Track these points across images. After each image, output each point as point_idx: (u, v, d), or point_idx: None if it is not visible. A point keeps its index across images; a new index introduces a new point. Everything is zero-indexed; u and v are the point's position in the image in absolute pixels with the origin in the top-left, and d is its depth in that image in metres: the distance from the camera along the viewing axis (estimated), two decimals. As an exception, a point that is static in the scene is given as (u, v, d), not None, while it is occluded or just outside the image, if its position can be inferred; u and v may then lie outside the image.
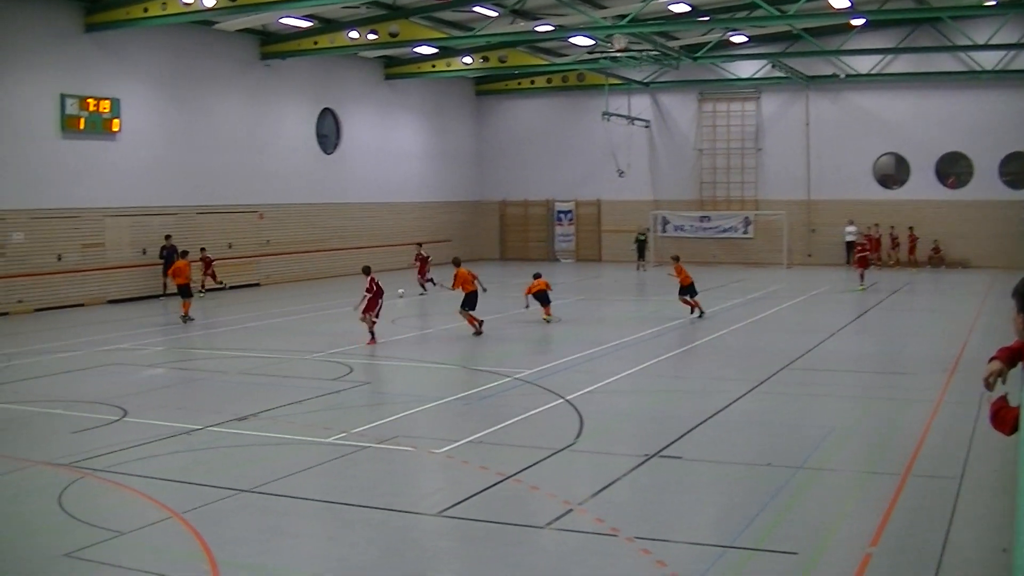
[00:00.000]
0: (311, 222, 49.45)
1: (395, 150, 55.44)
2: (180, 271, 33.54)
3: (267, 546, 11.84)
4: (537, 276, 32.29)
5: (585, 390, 20.44)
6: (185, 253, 36.36)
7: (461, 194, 61.01)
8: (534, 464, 14.93)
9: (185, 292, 33.27)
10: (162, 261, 40.78)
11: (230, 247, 44.85)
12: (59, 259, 37.70)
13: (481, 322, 28.78)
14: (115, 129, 39.71)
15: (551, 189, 60.26)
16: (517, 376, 22.08)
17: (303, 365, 24.45)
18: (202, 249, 41.39)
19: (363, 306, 27.00)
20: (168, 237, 41.12)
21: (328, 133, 51.38)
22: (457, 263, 30.43)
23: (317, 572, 11.05)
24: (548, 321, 30.92)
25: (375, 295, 27.03)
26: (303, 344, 27.35)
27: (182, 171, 42.68)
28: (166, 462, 15.52)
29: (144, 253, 40.93)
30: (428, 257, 41.88)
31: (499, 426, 17.52)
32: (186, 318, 32.73)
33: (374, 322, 27.13)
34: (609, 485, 13.97)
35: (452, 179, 60.22)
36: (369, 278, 27.27)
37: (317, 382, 21.98)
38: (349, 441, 16.47)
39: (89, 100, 38.67)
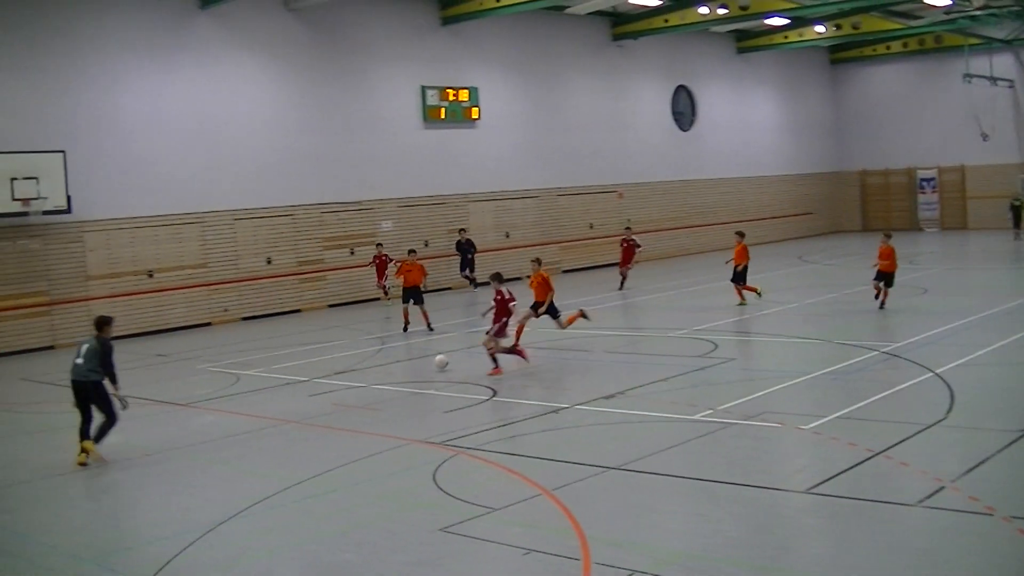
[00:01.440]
0: (670, 199, 49.52)
1: (751, 123, 54.86)
2: (411, 271, 28.83)
3: (636, 522, 11.87)
4: (740, 234, 30.75)
5: (954, 363, 19.58)
6: (412, 251, 30.40)
7: (819, 165, 59.71)
8: (903, 440, 14.40)
9: (417, 296, 28.64)
10: (458, 254, 39.31)
11: (591, 227, 45.40)
12: (426, 245, 39.00)
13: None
14: (474, 117, 40.83)
15: (912, 156, 58.01)
16: (884, 350, 21.39)
17: (668, 342, 24.44)
18: (378, 245, 36.26)
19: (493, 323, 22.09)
20: (463, 231, 39.57)
21: (683, 110, 51.26)
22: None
23: (686, 549, 10.98)
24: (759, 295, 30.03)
25: (500, 310, 21.95)
26: (667, 321, 27.36)
27: (540, 154, 43.51)
28: (535, 440, 15.80)
29: (507, 236, 41.89)
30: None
31: (867, 401, 16.99)
32: (430, 327, 28.68)
33: (502, 347, 21.94)
34: (983, 462, 13.30)
35: (809, 150, 59.03)
36: (497, 290, 22.27)
37: (682, 359, 21.92)
38: (716, 418, 16.34)
39: (448, 90, 39.94)
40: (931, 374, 18.76)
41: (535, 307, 23.33)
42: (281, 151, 35.40)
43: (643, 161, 48.25)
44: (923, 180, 57.73)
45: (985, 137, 53.44)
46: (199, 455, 16.46)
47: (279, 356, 25.84)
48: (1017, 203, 50.33)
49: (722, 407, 16.98)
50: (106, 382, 16.22)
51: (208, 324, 33.39)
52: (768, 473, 13.40)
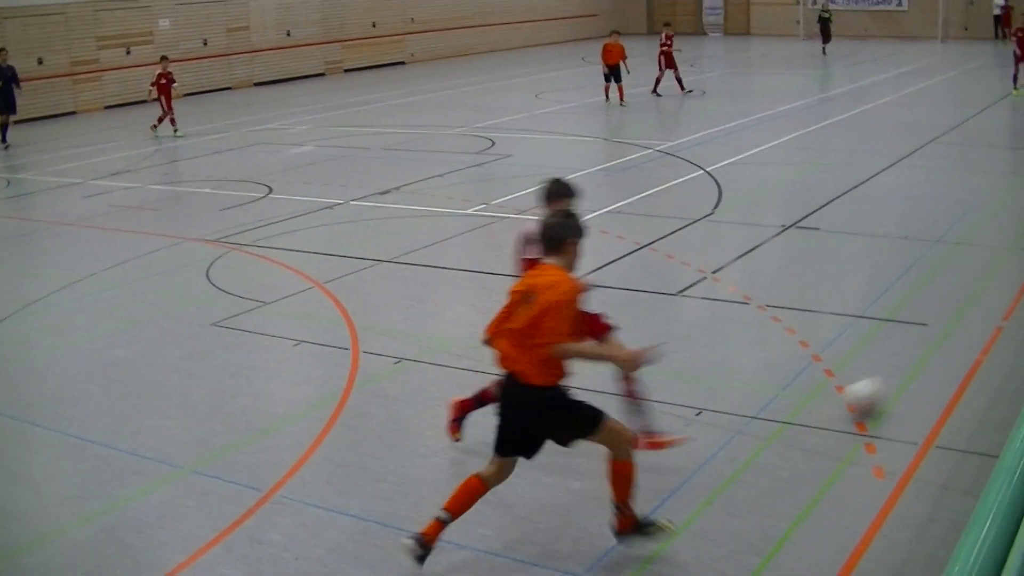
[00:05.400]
0: (456, -1, 48.78)
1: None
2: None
3: (407, 313, 12.18)
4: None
5: (726, 161, 20.28)
6: None
7: (606, -32, 59.34)
8: (671, 233, 14.98)
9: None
10: None
11: (374, 26, 44.74)
12: (205, 44, 38.07)
13: None
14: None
15: (698, -41, 58.15)
16: (658, 148, 21.96)
17: (446, 140, 24.59)
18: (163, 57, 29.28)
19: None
20: (2, 51, 27.21)
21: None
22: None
23: (456, 337, 11.25)
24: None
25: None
26: (447, 119, 27.50)
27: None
28: (309, 236, 15.91)
29: (289, 35, 41.05)
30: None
31: (638, 196, 17.54)
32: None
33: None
34: (744, 254, 13.99)
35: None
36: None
37: (459, 156, 22.16)
38: (488, 212, 16.67)
39: None
40: (702, 171, 19.37)
41: None
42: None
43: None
44: (707, -17, 57.92)
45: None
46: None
47: (52, 159, 25.06)
48: (826, 14, 45.77)
49: (495, 202, 17.34)
50: None
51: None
52: (535, 265, 13.69)
